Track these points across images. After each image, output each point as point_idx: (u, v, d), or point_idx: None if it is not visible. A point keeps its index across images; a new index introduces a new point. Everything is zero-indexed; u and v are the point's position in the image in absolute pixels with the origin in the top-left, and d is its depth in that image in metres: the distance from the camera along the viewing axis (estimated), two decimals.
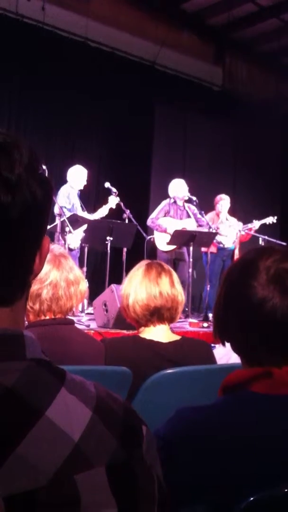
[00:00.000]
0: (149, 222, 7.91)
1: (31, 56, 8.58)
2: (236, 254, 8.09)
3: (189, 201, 7.87)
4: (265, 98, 11.39)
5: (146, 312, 2.31)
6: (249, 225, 8.06)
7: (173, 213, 7.88)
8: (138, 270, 2.38)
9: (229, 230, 8.18)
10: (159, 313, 2.32)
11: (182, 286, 2.44)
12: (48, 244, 0.83)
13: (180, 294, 2.37)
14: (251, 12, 10.15)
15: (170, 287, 2.33)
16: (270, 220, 8.08)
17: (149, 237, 7.81)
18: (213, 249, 8.14)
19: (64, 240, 6.59)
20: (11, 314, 0.78)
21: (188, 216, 7.86)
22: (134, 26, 9.89)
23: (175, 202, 7.91)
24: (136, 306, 2.30)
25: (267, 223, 8.08)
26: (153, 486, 0.76)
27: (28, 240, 0.78)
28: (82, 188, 7.43)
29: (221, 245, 8.20)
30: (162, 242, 7.68)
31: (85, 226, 6.88)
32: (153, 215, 7.93)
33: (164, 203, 7.95)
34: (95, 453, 0.71)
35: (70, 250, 6.89)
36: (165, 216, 7.86)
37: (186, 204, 7.84)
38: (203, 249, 8.13)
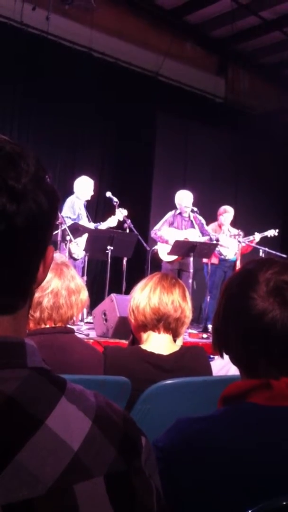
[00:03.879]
0: (152, 233, 7.95)
1: (34, 65, 8.60)
2: (238, 266, 8.09)
3: (191, 211, 7.87)
4: (267, 110, 11.43)
5: (154, 317, 2.34)
6: (251, 237, 8.07)
7: (177, 224, 7.88)
8: (153, 278, 2.42)
9: (231, 242, 8.18)
10: (166, 321, 2.36)
11: None
12: (52, 253, 0.84)
13: (189, 309, 2.42)
14: (254, 24, 10.20)
15: (181, 299, 2.38)
16: (272, 233, 8.08)
17: (152, 248, 7.82)
18: (214, 260, 8.14)
19: (68, 250, 6.61)
20: (14, 323, 0.78)
21: (193, 227, 7.85)
22: (137, 37, 9.94)
23: (180, 213, 7.92)
24: (147, 309, 2.34)
25: (269, 235, 8.09)
26: (152, 497, 0.76)
27: (32, 249, 0.78)
28: (89, 198, 7.46)
29: (222, 256, 8.20)
30: (165, 253, 7.69)
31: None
32: (156, 226, 7.95)
33: (169, 214, 7.96)
34: (94, 463, 0.71)
35: (75, 259, 6.91)
36: (169, 227, 7.87)
37: (192, 214, 7.83)
38: (204, 260, 8.14)
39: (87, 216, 7.37)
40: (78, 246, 6.76)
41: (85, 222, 7.23)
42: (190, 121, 10.81)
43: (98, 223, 7.35)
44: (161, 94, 10.20)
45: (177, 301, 2.36)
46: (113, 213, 7.34)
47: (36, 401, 0.72)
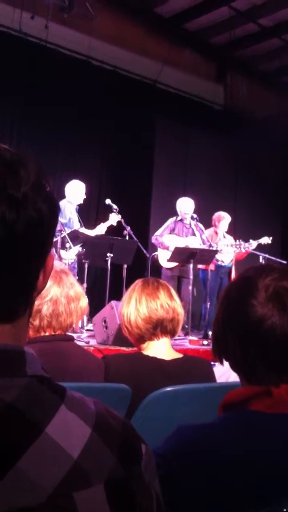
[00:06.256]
0: (153, 239, 7.95)
1: (34, 73, 8.63)
2: (233, 272, 8.10)
3: (191, 218, 7.88)
4: (266, 116, 11.46)
5: (149, 326, 2.33)
6: (246, 244, 8.05)
7: (178, 231, 7.88)
8: (135, 288, 2.41)
9: (227, 248, 8.18)
10: (162, 325, 2.35)
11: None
12: (52, 261, 0.84)
13: (179, 306, 2.41)
14: (252, 31, 10.25)
15: (169, 300, 2.37)
16: (265, 240, 8.06)
17: (152, 254, 7.81)
18: (211, 266, 8.13)
19: (59, 255, 6.56)
20: (14, 331, 0.78)
21: (194, 234, 7.85)
22: (136, 44, 9.97)
23: (181, 220, 7.93)
24: (139, 321, 2.33)
25: (262, 243, 8.07)
26: (152, 504, 0.76)
27: (32, 257, 0.78)
28: (81, 202, 7.39)
29: (219, 263, 8.20)
30: (165, 259, 7.68)
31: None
32: (157, 232, 7.95)
33: (170, 220, 7.97)
34: (94, 471, 0.71)
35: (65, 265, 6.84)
36: (170, 234, 7.87)
37: (193, 222, 7.83)
38: (200, 266, 8.12)
39: (79, 221, 7.29)
40: (67, 252, 6.69)
41: (76, 226, 7.16)
42: (189, 128, 10.83)
43: (89, 230, 7.25)
44: (160, 101, 10.23)
45: (165, 303, 2.35)
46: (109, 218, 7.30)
47: (35, 409, 0.71)
